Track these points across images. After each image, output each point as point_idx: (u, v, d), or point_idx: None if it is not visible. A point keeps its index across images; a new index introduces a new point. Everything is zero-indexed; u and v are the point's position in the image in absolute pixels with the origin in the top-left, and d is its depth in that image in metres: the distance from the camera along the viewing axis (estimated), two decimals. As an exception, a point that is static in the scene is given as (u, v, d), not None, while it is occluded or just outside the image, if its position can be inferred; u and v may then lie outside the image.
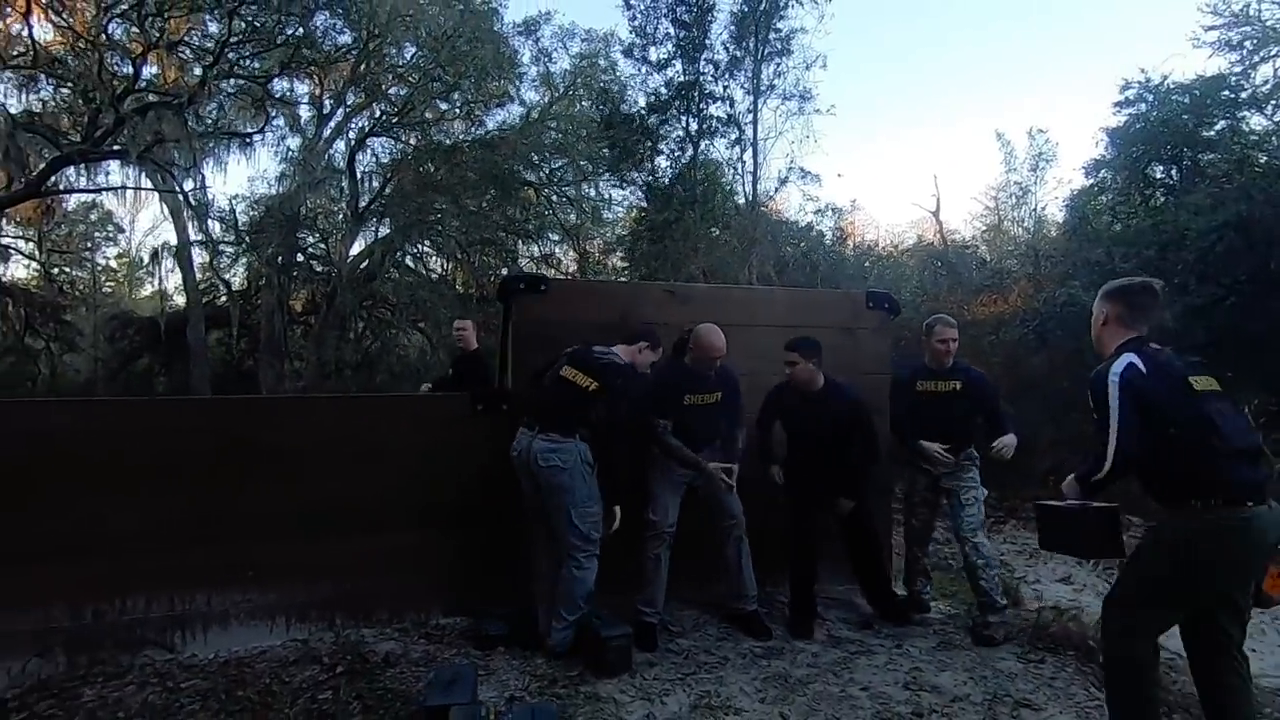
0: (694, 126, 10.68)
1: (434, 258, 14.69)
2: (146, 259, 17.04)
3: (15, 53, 9.94)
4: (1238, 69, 11.58)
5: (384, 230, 13.31)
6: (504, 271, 13.70)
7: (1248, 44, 11.94)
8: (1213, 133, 10.10)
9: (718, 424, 3.35)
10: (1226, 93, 10.09)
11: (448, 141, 12.86)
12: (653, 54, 10.75)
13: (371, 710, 2.47)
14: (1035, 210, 20.42)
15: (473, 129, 13.11)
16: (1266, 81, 11.51)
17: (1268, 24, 11.87)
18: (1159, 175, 11.00)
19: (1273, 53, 11.86)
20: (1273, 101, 11.32)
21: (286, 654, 2.90)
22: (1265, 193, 7.70)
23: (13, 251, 14.06)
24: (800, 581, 3.40)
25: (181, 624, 2.92)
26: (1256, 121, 10.84)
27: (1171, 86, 10.53)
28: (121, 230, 19.31)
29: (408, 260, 14.08)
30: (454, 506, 3.28)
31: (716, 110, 10.60)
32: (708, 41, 10.28)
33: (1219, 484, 1.95)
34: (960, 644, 3.13)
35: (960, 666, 2.87)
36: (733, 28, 10.15)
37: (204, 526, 2.97)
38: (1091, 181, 12.12)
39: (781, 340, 3.50)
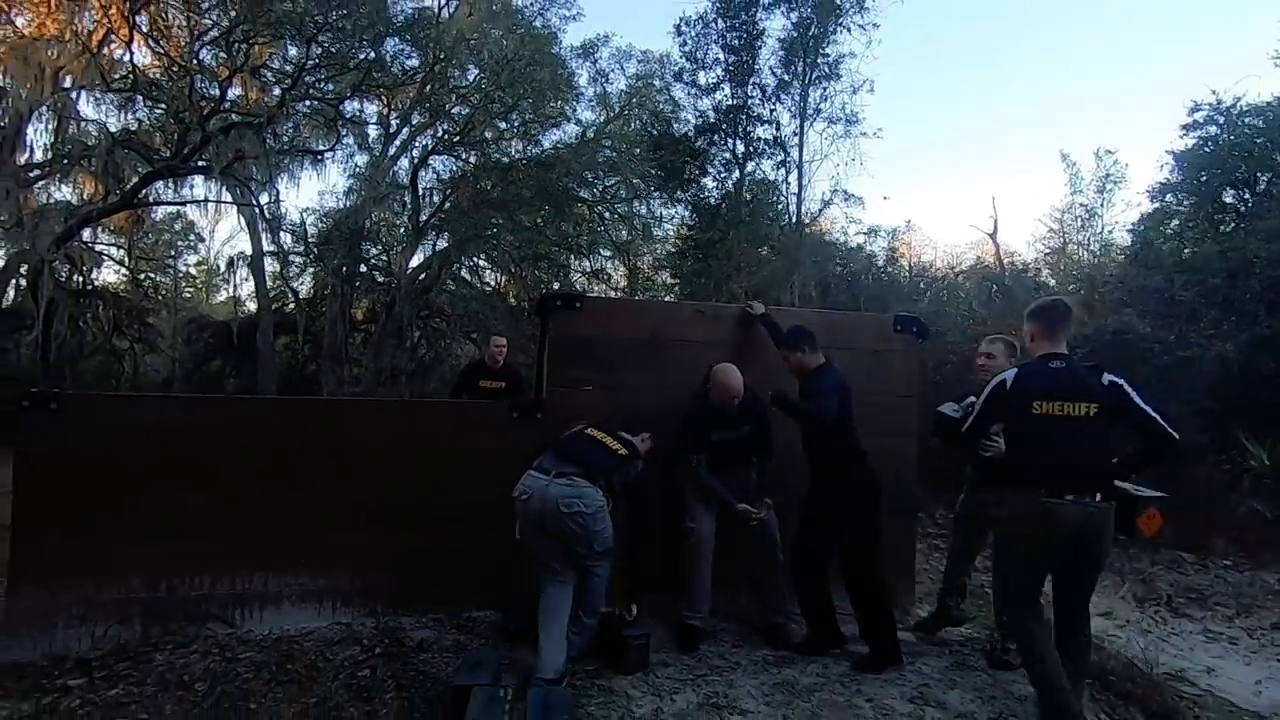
0: (740, 148, 10.86)
1: (489, 271, 15.22)
2: (223, 267, 18.16)
3: (116, 76, 10.87)
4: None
5: (442, 244, 13.87)
6: (556, 285, 14.09)
7: (1331, 62, 11.38)
8: (1287, 157, 9.69)
9: (748, 456, 3.50)
10: (1304, 115, 9.67)
11: (505, 159, 13.36)
12: (702, 78, 11.05)
13: (404, 689, 2.69)
14: (1101, 234, 19.78)
15: (529, 147, 13.58)
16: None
17: (1357, 41, 11.28)
18: (1229, 200, 10.59)
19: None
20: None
21: (331, 635, 3.17)
22: (1341, 220, 7.37)
23: (105, 258, 15.18)
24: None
25: (241, 602, 3.22)
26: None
27: (1245, 108, 10.15)
28: (202, 240, 20.62)
29: (463, 273, 14.62)
30: (491, 508, 3.49)
31: (763, 132, 10.76)
32: (756, 66, 10.47)
33: (1032, 480, 2.58)
34: (974, 665, 3.15)
35: (970, 686, 2.91)
36: (781, 53, 10.33)
37: (265, 516, 3.27)
38: (1157, 205, 11.73)
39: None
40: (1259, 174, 9.97)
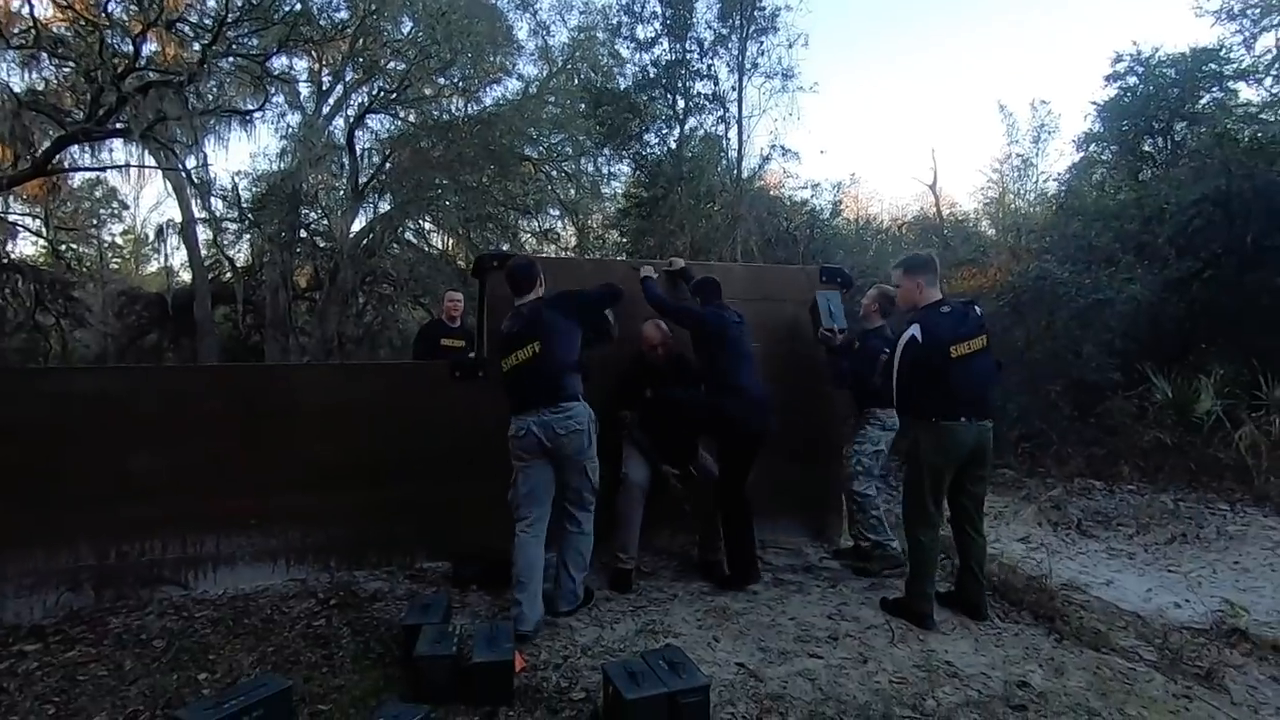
0: (681, 104, 10.85)
1: (435, 234, 14.94)
2: (152, 236, 17.35)
3: (16, 31, 10.12)
4: (1238, 39, 11.57)
5: (384, 206, 13.52)
6: (505, 246, 13.94)
7: (1249, 14, 11.91)
8: (1199, 106, 10.19)
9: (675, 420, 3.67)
10: (1214, 65, 10.15)
11: (445, 117, 13.01)
12: (640, 32, 10.92)
13: (359, 634, 2.84)
14: (1037, 183, 20.47)
15: (470, 105, 13.24)
16: (1267, 51, 11.53)
17: (1271, -6, 11.79)
18: (1148, 149, 11.11)
19: (1275, 22, 11.84)
20: (1271, 73, 11.36)
21: (286, 590, 3.29)
22: (1244, 167, 7.82)
23: (20, 229, 14.34)
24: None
25: (194, 564, 3.30)
26: (1250, 94, 10.88)
27: (1162, 59, 10.58)
28: (126, 207, 19.60)
29: (408, 236, 14.32)
30: (438, 463, 3.63)
31: (702, 88, 10.77)
32: (693, 20, 10.41)
33: (947, 408, 3.01)
34: (891, 585, 3.46)
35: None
36: (718, 6, 10.28)
37: (213, 480, 3.33)
38: (1082, 155, 12.23)
39: (745, 312, 3.83)
40: (1174, 123, 10.47)
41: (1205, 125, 9.82)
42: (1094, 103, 11.44)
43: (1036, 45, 38.50)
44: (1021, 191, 21.13)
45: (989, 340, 3.12)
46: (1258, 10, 11.49)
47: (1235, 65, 10.59)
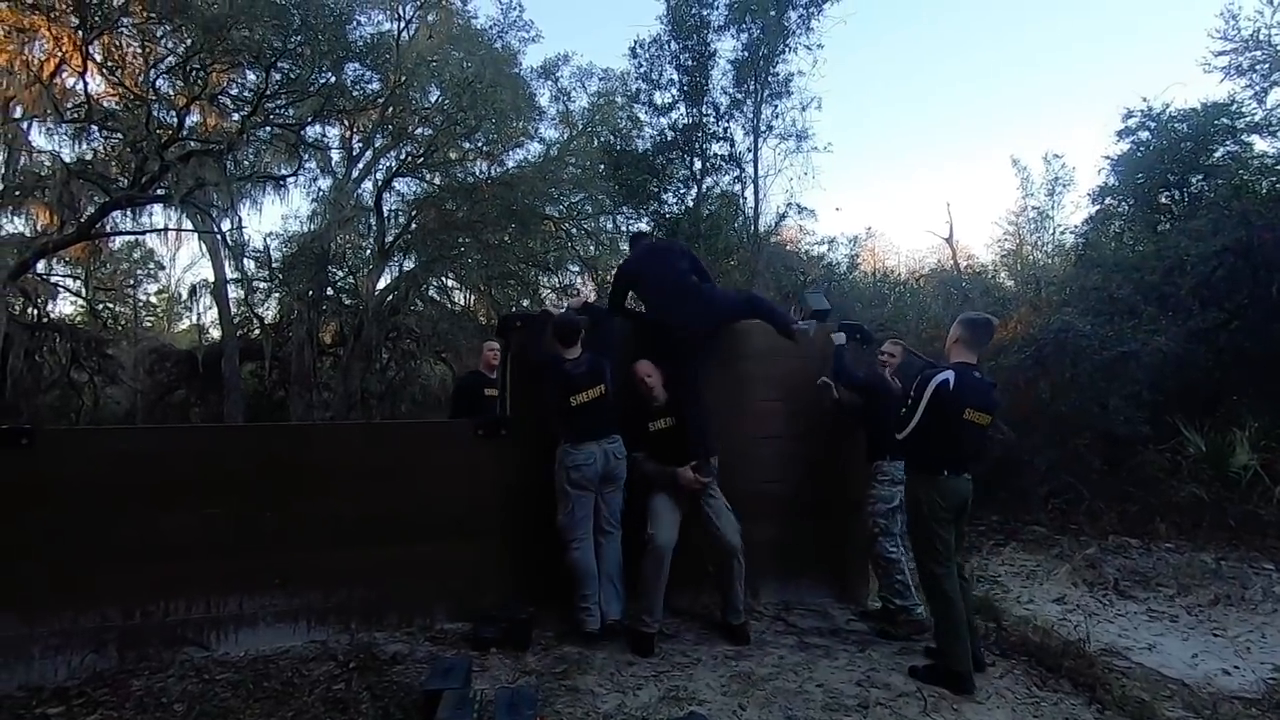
0: (698, 165, 11.17)
1: (457, 290, 15.28)
2: (185, 295, 17.90)
3: (70, 105, 10.76)
4: (1247, 93, 11.69)
5: (409, 265, 13.90)
6: (525, 302, 14.18)
7: (1259, 69, 12.07)
8: (1214, 159, 10.23)
9: (683, 442, 3.70)
10: (1225, 120, 10.24)
11: (470, 179, 13.47)
12: (658, 98, 11.37)
13: (379, 699, 2.80)
14: (1054, 235, 20.53)
15: (493, 167, 13.70)
16: (1279, 105, 11.62)
17: (1279, 48, 11.97)
18: (1164, 201, 11.13)
19: (1286, 77, 11.96)
20: (1285, 125, 11.41)
21: (307, 652, 3.26)
22: (1264, 218, 7.81)
23: (61, 290, 14.90)
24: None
25: (217, 625, 3.29)
26: (1264, 146, 10.91)
27: (1173, 114, 10.70)
28: (162, 268, 20.31)
29: (431, 293, 14.65)
30: (459, 522, 3.63)
31: (719, 149, 11.11)
32: (709, 86, 10.81)
33: (953, 462, 3.11)
34: (920, 650, 3.35)
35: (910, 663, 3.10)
36: (733, 73, 10.68)
37: (238, 540, 3.35)
38: (1099, 208, 12.28)
39: (760, 369, 3.86)
40: (1189, 176, 10.52)
41: (1221, 178, 9.84)
42: (1107, 157, 11.55)
43: (1047, 100, 39.23)
44: (1039, 244, 21.19)
45: (993, 421, 3.29)
46: (1266, 65, 11.63)
47: (1248, 119, 10.65)
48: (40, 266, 12.01)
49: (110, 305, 17.29)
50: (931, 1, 39.79)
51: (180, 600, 3.24)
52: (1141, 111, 10.86)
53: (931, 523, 3.11)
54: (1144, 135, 10.85)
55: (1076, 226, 14.13)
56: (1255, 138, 10.82)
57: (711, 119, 10.80)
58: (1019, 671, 3.10)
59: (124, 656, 3.12)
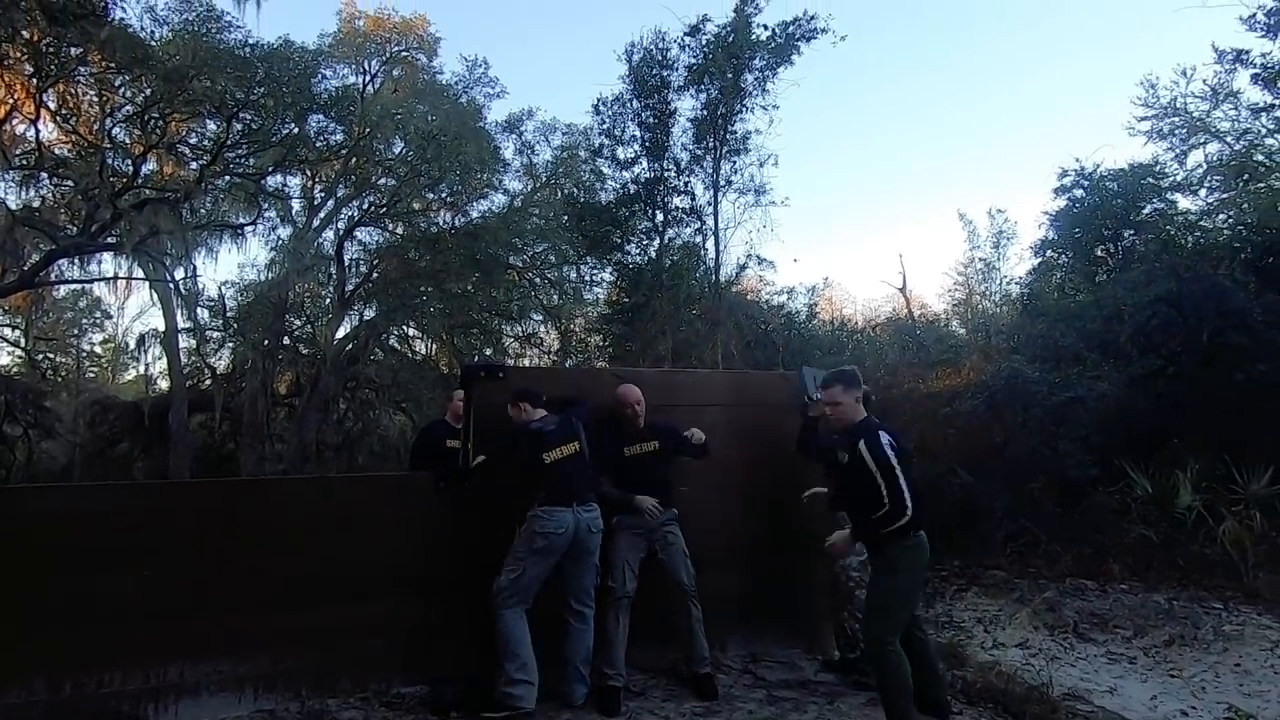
0: (660, 217, 11.47)
1: (419, 339, 15.12)
2: (132, 344, 17.34)
3: (19, 151, 10.53)
4: (1169, 155, 12.57)
5: (369, 314, 13.75)
6: (488, 351, 14.09)
7: (1177, 134, 13.02)
8: (1143, 215, 10.89)
9: (660, 469, 3.70)
10: (1151, 179, 10.95)
11: (433, 229, 13.51)
12: (620, 153, 11.68)
13: (330, 772, 2.63)
14: (1001, 285, 21.42)
15: (457, 218, 13.79)
16: (1198, 166, 12.51)
17: (1194, 116, 12.94)
18: (1100, 254, 11.76)
19: (1201, 140, 12.92)
20: (1204, 185, 12.27)
21: (253, 723, 3.05)
22: (1191, 270, 8.29)
23: (-2, 340, 14.31)
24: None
25: (155, 696, 3.08)
26: (1187, 204, 11.70)
27: (1104, 174, 11.40)
28: (109, 317, 19.75)
29: (392, 342, 14.47)
30: (418, 580, 3.51)
31: (680, 202, 11.45)
32: (670, 142, 11.21)
33: (920, 521, 2.94)
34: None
35: (881, 717, 3.07)
36: (692, 130, 11.10)
37: (180, 602, 3.17)
38: (1040, 260, 12.89)
39: (723, 417, 3.88)
40: (1122, 230, 11.16)
41: (1150, 232, 10.46)
42: (1046, 213, 12.19)
43: (991, 158, 41.51)
44: (987, 293, 22.07)
45: None
46: (1184, 131, 12.56)
47: (1171, 179, 11.44)
48: (-24, 316, 11.54)
49: (51, 355, 16.65)
50: (880, 67, 42.18)
51: (115, 670, 3.03)
52: (1075, 170, 11.55)
53: (910, 592, 2.96)
54: (1078, 193, 11.50)
55: (1020, 277, 14.82)
56: (1178, 196, 11.61)
57: (673, 173, 11.15)
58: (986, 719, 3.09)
59: (50, 734, 2.89)
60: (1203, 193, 12.12)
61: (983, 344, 10.70)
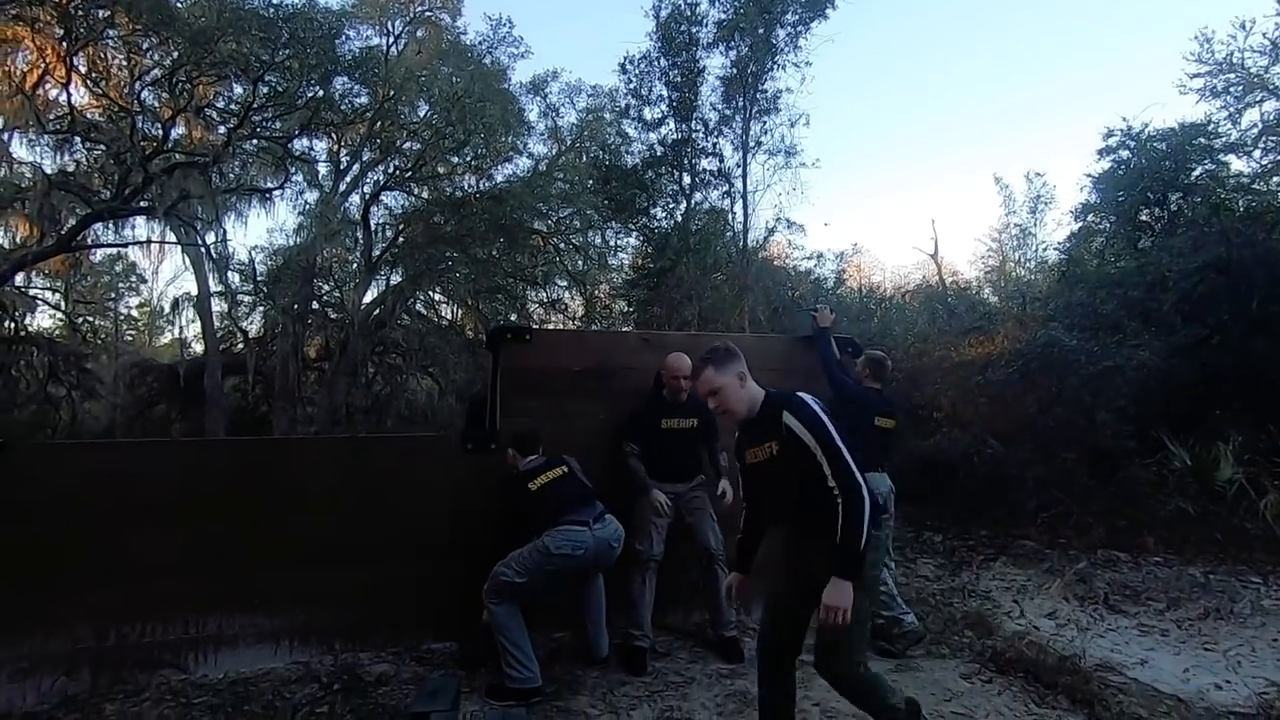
0: (687, 180, 11.25)
1: (444, 305, 15.20)
2: (167, 308, 17.71)
3: (53, 116, 10.66)
4: (1222, 114, 11.98)
5: (396, 279, 13.83)
6: (513, 317, 14.12)
7: (1232, 91, 12.37)
8: (1192, 178, 10.42)
9: (696, 448, 3.65)
10: (1202, 140, 10.44)
11: (458, 194, 13.45)
12: (647, 114, 11.46)
13: (363, 722, 2.70)
14: (1037, 251, 20.82)
15: (482, 181, 13.70)
16: (1253, 125, 11.91)
17: (1251, 71, 12.26)
18: (1145, 219, 11.31)
19: (1258, 98, 12.27)
20: (1259, 146, 11.70)
21: (289, 674, 3.16)
22: (1243, 235, 7.94)
23: (39, 303, 14.66)
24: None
25: (195, 646, 3.19)
26: (1240, 166, 11.17)
27: (1152, 134, 10.91)
28: (144, 281, 20.11)
29: (419, 307, 14.57)
30: (447, 540, 3.55)
31: (708, 165, 11.21)
32: (698, 102, 10.93)
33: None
34: (916, 666, 3.31)
35: (911, 685, 3.06)
36: (722, 89, 10.83)
37: (218, 558, 3.26)
38: (1081, 225, 12.46)
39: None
40: (1168, 194, 10.70)
41: (1200, 196, 10.01)
42: (1089, 175, 11.73)
43: (1029, 119, 40.00)
44: (1022, 260, 21.48)
45: None
46: (1240, 88, 11.93)
47: (1224, 139, 10.89)
48: (19, 279, 11.81)
49: (90, 319, 17.04)
50: (916, 25, 40.61)
51: (157, 621, 3.14)
52: (1121, 131, 11.06)
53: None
54: (1124, 154, 11.03)
55: (1059, 243, 14.34)
56: (1231, 157, 11.07)
57: (701, 134, 10.92)
58: (1016, 689, 3.07)
59: (97, 680, 3.01)
60: (1257, 154, 11.55)
61: (1017, 312, 10.41)
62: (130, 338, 21.33)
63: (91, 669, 3.02)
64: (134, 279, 19.58)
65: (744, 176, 10.80)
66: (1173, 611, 4.84)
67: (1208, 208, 9.17)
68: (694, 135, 10.95)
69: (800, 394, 2.25)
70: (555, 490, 3.23)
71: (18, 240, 11.33)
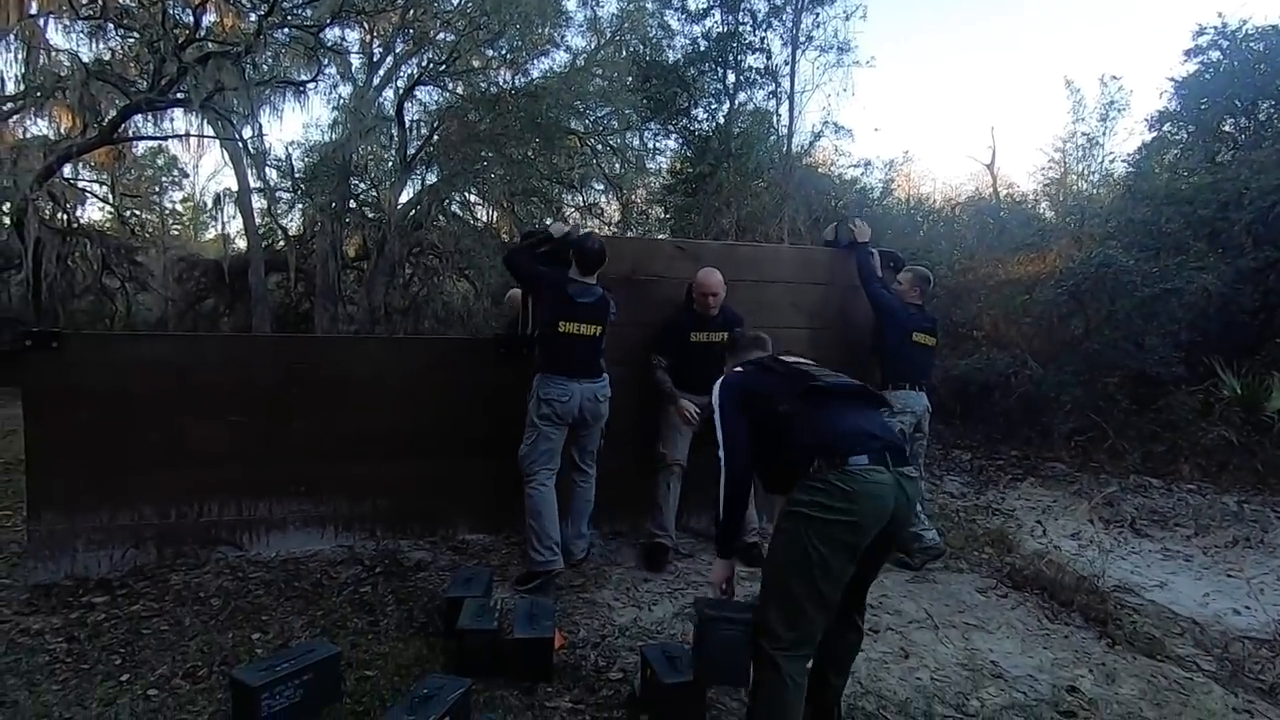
0: (731, 79, 10.61)
1: (480, 206, 15.04)
2: (210, 204, 17.90)
3: (84, 2, 10.45)
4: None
5: (431, 179, 13.66)
6: (548, 221, 13.92)
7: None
8: (1289, 85, 9.50)
9: (724, 361, 3.64)
10: (1308, 40, 9.43)
11: (493, 90, 13.00)
12: (691, 4, 10.68)
13: (403, 602, 2.93)
14: (1102, 164, 19.47)
15: (517, 77, 13.19)
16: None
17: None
18: (1228, 130, 10.43)
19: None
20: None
21: (334, 556, 3.40)
22: (1337, 152, 7.31)
23: (89, 195, 14.94)
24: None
25: (248, 527, 3.43)
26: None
27: (1249, 32, 9.88)
28: (186, 175, 20.25)
29: (454, 209, 14.45)
30: (482, 437, 3.68)
31: (754, 61, 10.51)
32: (747, -10, 10.17)
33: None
34: (933, 579, 3.39)
35: (926, 596, 3.16)
36: (774, -25, 10.02)
37: (267, 447, 3.44)
38: (1155, 135, 11.57)
39: (788, 295, 3.74)
40: (1259, 102, 9.80)
41: (1294, 105, 9.17)
42: (1171, 79, 10.76)
43: (1108, 17, 36.41)
44: (1085, 173, 20.11)
45: None
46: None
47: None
48: (67, 171, 12.00)
49: (137, 212, 17.34)
50: (993, -100, 36.46)
51: (212, 502, 3.37)
52: (1215, 28, 10.03)
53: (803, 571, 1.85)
54: (1214, 55, 10.06)
55: (1128, 155, 13.39)
56: (1337, 61, 9.99)
57: (748, 28, 10.19)
58: (1031, 604, 3.13)
59: (163, 553, 3.27)
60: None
61: (1074, 228, 9.89)
62: (176, 232, 21.75)
63: (156, 543, 3.28)
64: (176, 173, 19.76)
65: (792, 75, 10.17)
66: (1200, 538, 4.83)
67: (1301, 118, 8.41)
68: (740, 28, 10.24)
69: (728, 377, 2.35)
70: (579, 349, 3.24)
71: (61, 130, 11.42)
